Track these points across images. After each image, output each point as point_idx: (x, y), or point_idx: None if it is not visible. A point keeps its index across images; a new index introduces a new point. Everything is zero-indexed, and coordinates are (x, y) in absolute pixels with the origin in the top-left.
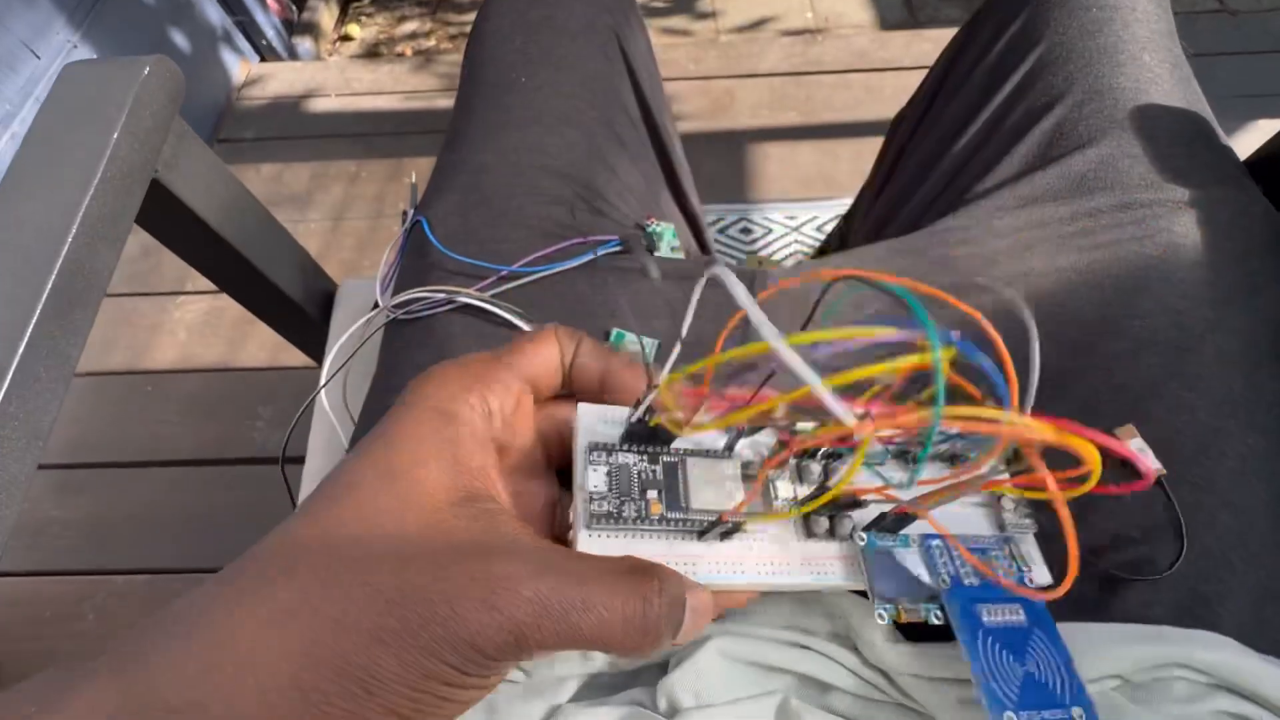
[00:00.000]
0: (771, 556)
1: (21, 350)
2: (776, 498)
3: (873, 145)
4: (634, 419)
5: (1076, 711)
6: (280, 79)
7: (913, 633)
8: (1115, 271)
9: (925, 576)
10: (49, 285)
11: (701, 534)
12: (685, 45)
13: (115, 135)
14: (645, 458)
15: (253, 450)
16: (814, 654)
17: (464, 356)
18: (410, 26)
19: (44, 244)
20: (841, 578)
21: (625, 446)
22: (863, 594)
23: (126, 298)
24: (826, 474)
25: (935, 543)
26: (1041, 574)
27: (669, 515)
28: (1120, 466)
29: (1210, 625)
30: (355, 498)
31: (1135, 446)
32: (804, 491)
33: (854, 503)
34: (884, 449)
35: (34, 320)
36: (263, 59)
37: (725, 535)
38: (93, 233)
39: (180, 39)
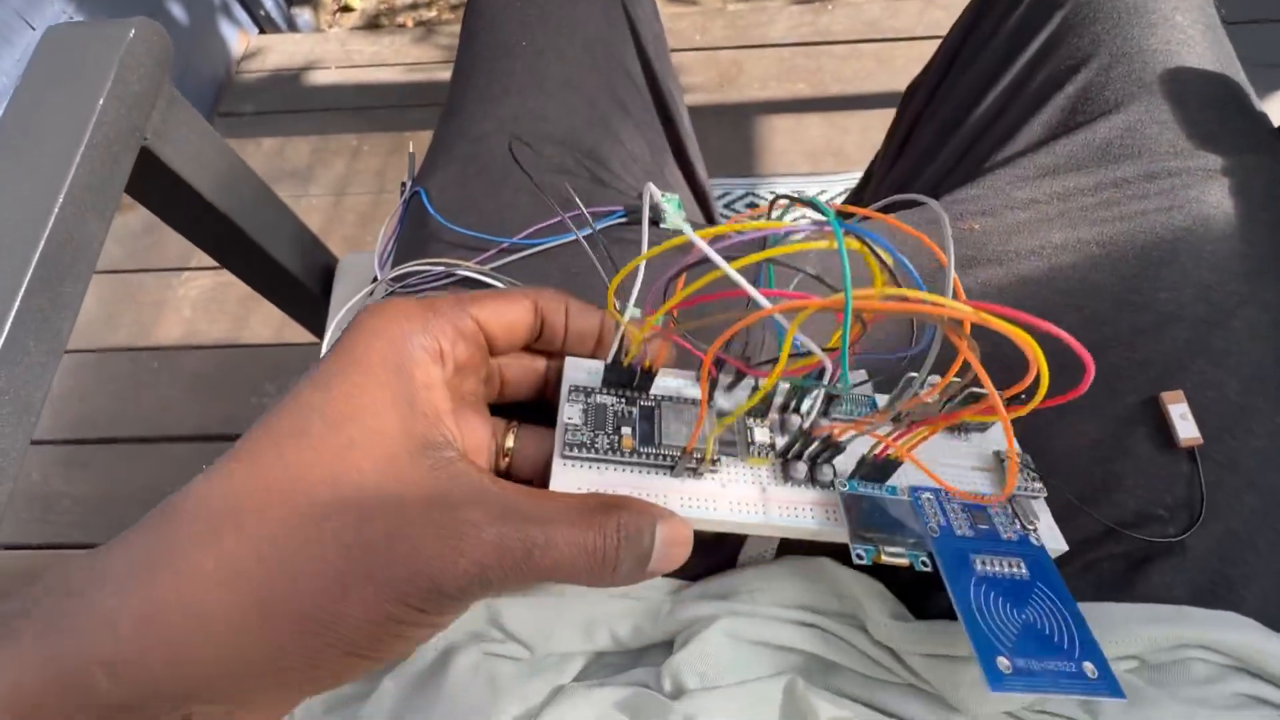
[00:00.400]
0: (745, 497)
1: (9, 324)
2: (752, 443)
3: (883, 118)
4: (610, 359)
5: (1089, 666)
6: (280, 51)
7: (918, 606)
8: (1140, 243)
9: (914, 524)
10: (36, 257)
11: (672, 469)
12: (691, 15)
13: (101, 101)
14: (623, 400)
15: None
16: (822, 633)
17: (419, 297)
18: None
19: (30, 215)
20: (818, 523)
21: (605, 391)
22: (843, 552)
23: (131, 274)
24: (808, 426)
25: (925, 494)
26: (1051, 537)
27: (641, 449)
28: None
29: (1232, 607)
30: (303, 445)
31: (1178, 413)
32: (781, 441)
33: (834, 448)
34: (871, 398)
35: (21, 293)
36: (262, 31)
37: (696, 472)
38: (80, 203)
39: (177, 10)
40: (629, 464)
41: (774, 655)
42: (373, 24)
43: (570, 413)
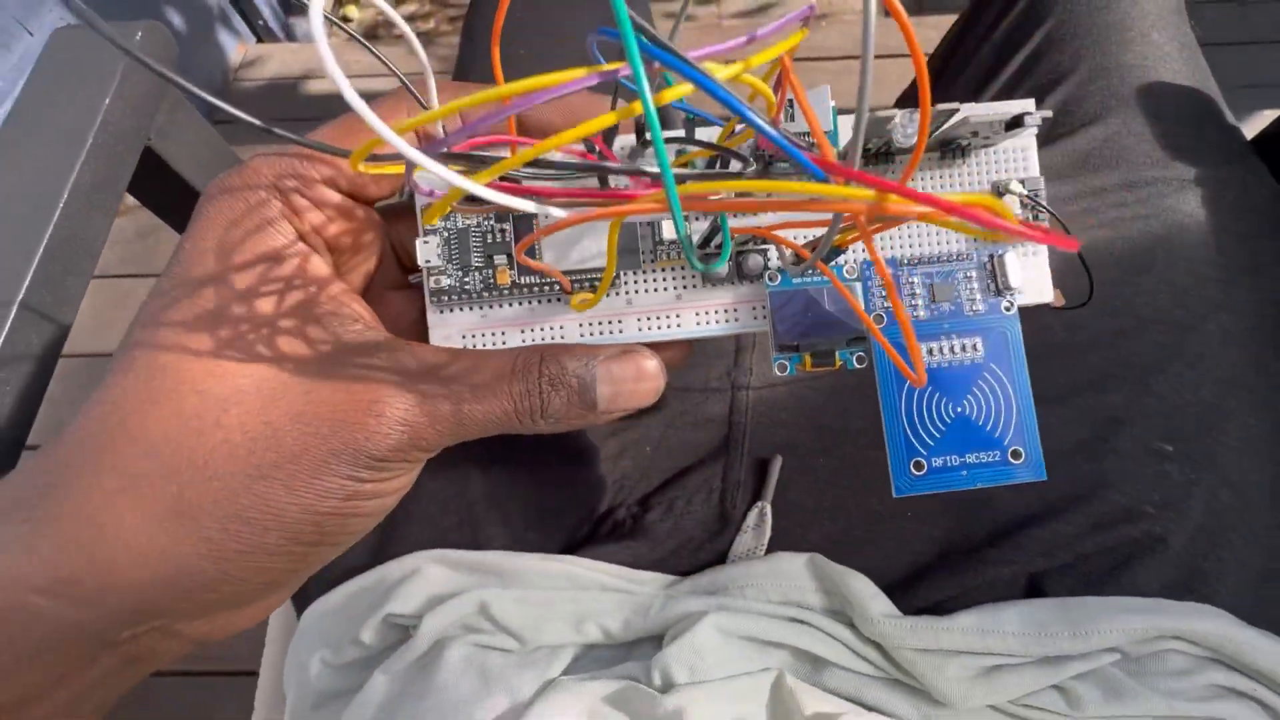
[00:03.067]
0: (656, 309)
1: (13, 317)
2: (660, 242)
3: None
4: (399, 197)
5: (1016, 451)
6: (277, 60)
7: (905, 602)
8: (1119, 250)
9: (855, 317)
10: (39, 253)
11: (566, 293)
12: (686, 30)
13: (107, 101)
14: (491, 216)
15: None
16: (810, 629)
17: (252, 161)
18: (409, 8)
19: (35, 211)
20: (740, 325)
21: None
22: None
23: (124, 279)
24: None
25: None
26: (1036, 290)
27: (520, 280)
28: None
29: (1207, 600)
30: (181, 343)
31: None
32: (702, 228)
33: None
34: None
35: (24, 287)
36: (259, 40)
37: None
38: (84, 201)
39: (176, 19)
40: (512, 298)
41: (762, 650)
42: (370, 35)
43: (425, 253)
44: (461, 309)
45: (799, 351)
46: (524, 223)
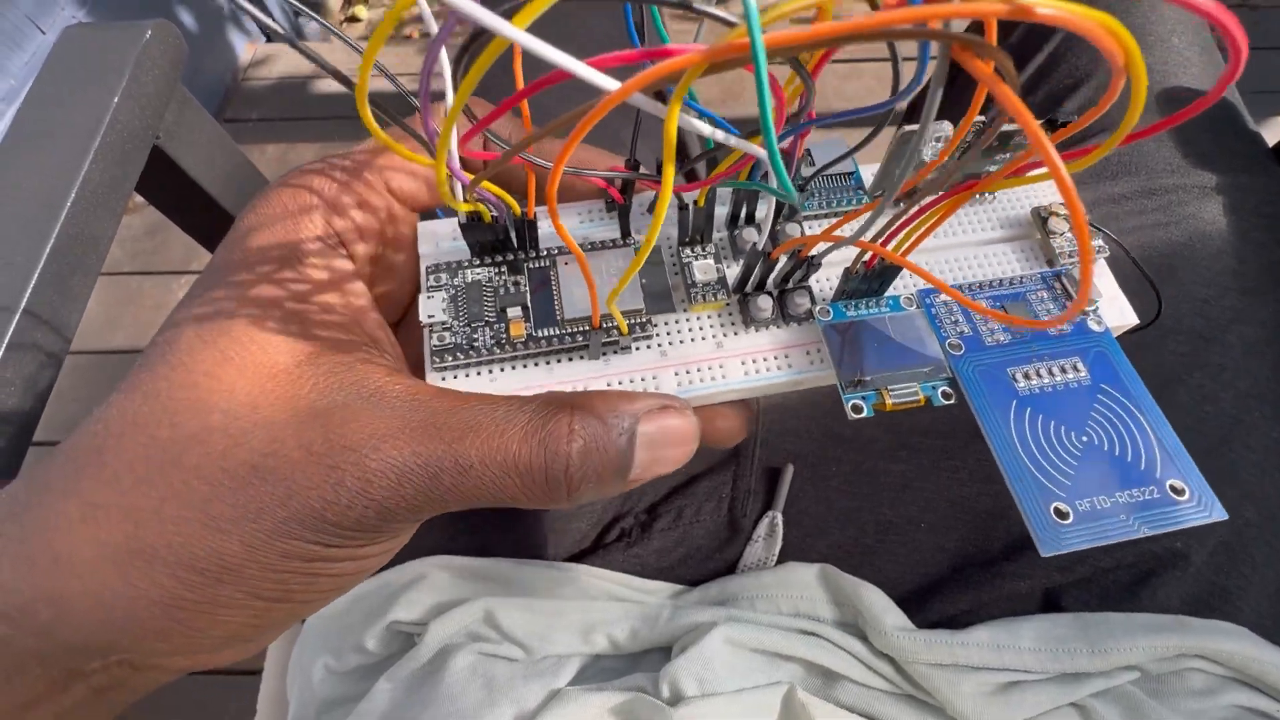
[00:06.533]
0: (696, 360)
1: (19, 316)
2: (694, 284)
3: (884, 136)
4: (463, 218)
5: (1175, 485)
6: (286, 59)
7: (919, 614)
8: (1138, 258)
9: (926, 345)
10: (47, 251)
11: (587, 349)
12: (694, 30)
13: (116, 100)
14: (505, 269)
15: None
16: (821, 641)
17: (301, 172)
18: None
19: (43, 210)
20: (796, 371)
21: (478, 261)
22: (844, 558)
23: (131, 276)
24: (763, 247)
25: (941, 296)
26: (1117, 309)
27: (538, 333)
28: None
29: (1228, 618)
30: (171, 365)
31: None
32: (734, 271)
33: (807, 265)
34: (854, 173)
35: (31, 286)
36: (269, 39)
37: (620, 346)
38: (92, 200)
39: (186, 18)
40: (526, 357)
41: (773, 663)
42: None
43: (429, 309)
44: (467, 373)
45: (872, 388)
46: (539, 275)
